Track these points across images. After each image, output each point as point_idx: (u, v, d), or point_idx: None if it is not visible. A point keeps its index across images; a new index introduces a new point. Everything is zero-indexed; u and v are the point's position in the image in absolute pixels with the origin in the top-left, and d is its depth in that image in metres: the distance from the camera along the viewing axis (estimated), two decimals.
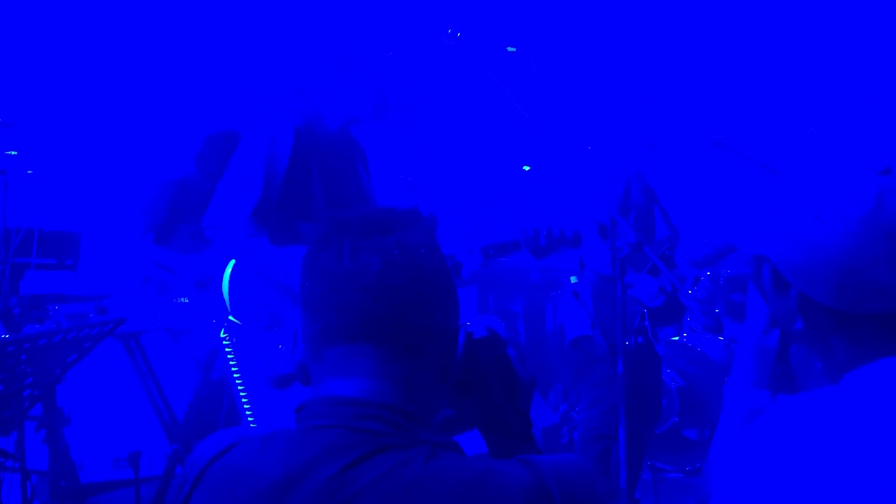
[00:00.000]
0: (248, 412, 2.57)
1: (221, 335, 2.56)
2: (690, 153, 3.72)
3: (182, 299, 3.31)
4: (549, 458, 0.97)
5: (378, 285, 0.96)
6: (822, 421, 0.78)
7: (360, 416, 0.95)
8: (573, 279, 3.32)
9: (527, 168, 5.11)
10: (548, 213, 2.71)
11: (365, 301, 0.97)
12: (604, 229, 2.56)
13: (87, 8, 4.27)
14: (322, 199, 2.73)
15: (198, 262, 2.97)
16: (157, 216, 3.76)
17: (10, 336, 2.77)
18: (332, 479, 0.90)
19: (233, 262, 2.60)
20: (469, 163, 5.42)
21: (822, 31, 4.75)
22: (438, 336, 1.02)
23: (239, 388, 2.58)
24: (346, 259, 0.97)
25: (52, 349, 2.35)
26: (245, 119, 2.91)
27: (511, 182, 5.28)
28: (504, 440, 1.11)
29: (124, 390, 3.57)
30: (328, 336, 0.99)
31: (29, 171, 3.31)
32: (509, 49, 2.97)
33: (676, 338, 4.37)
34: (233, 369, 2.58)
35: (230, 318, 2.55)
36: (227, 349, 2.57)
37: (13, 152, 3.23)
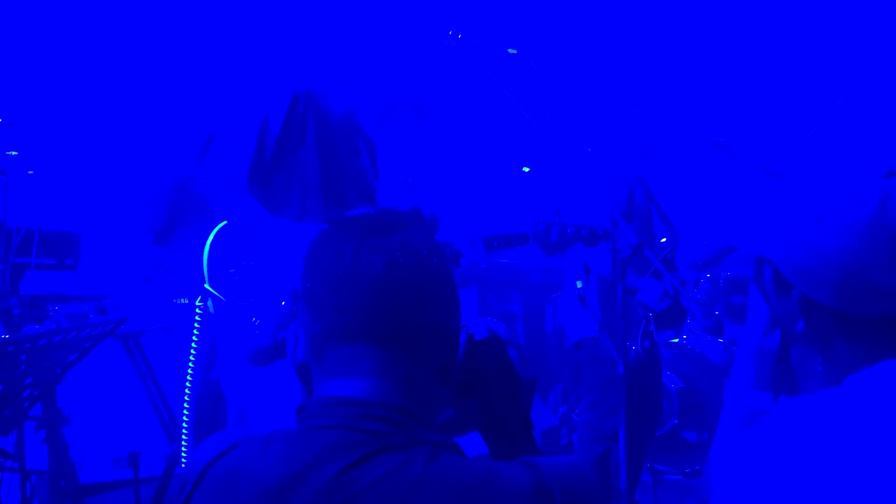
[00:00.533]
0: (185, 400, 2.54)
1: (196, 304, 2.51)
2: (691, 155, 3.72)
3: (182, 300, 3.31)
4: (551, 459, 0.97)
5: (380, 286, 0.96)
6: (824, 423, 0.78)
7: (361, 417, 0.95)
8: (579, 284, 3.31)
9: (526, 170, 5.11)
10: (559, 209, 2.66)
11: (367, 301, 0.97)
12: (606, 233, 2.55)
13: (86, 8, 4.27)
14: (314, 182, 2.71)
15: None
16: (157, 217, 3.76)
17: (10, 336, 2.77)
18: (333, 480, 0.90)
19: (220, 225, 2.56)
20: (470, 164, 5.42)
21: (824, 31, 4.76)
22: (440, 336, 1.02)
23: (190, 364, 2.55)
24: (348, 259, 0.97)
25: (52, 349, 2.35)
26: (245, 119, 2.90)
27: (511, 183, 5.29)
28: (505, 441, 1.11)
29: (124, 390, 3.57)
30: (330, 336, 0.99)
31: (29, 171, 3.32)
32: (510, 51, 2.97)
33: (676, 340, 4.37)
34: (192, 343, 2.54)
35: (206, 286, 2.50)
36: (196, 320, 2.52)
37: (14, 152, 3.23)
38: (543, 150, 4.35)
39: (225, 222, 2.56)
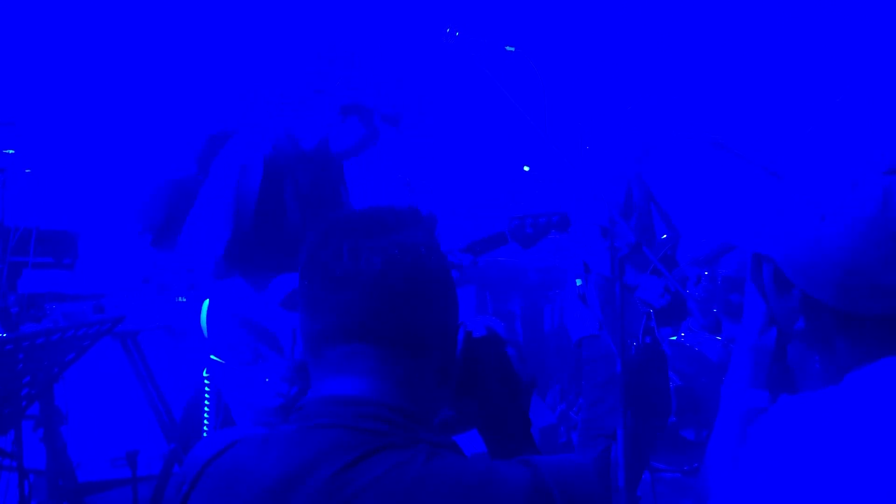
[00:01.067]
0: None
1: (203, 375, 2.55)
2: (690, 154, 3.72)
3: (180, 298, 3.31)
4: (550, 458, 0.96)
5: (378, 285, 0.96)
6: (824, 421, 0.77)
7: (360, 416, 0.94)
8: (578, 282, 3.32)
9: (527, 168, 5.11)
10: (530, 202, 2.71)
11: (365, 301, 0.96)
12: (605, 231, 2.56)
13: (86, 8, 4.27)
14: (298, 225, 2.69)
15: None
16: (155, 216, 3.75)
17: (7, 335, 2.76)
18: (332, 479, 0.90)
19: (207, 301, 2.57)
20: (468, 163, 5.41)
21: (824, 29, 4.75)
22: (439, 336, 1.02)
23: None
24: (347, 259, 0.97)
25: (50, 348, 2.34)
26: (244, 119, 2.89)
27: (510, 182, 5.28)
28: (503, 440, 1.11)
29: (122, 389, 3.57)
30: (328, 335, 0.99)
31: (27, 170, 3.31)
32: (508, 48, 2.97)
33: (674, 338, 4.37)
34: (205, 407, 2.57)
35: (211, 356, 2.53)
36: (206, 389, 2.55)
37: (11, 151, 3.23)
38: (542, 148, 4.35)
39: (208, 300, 2.56)
